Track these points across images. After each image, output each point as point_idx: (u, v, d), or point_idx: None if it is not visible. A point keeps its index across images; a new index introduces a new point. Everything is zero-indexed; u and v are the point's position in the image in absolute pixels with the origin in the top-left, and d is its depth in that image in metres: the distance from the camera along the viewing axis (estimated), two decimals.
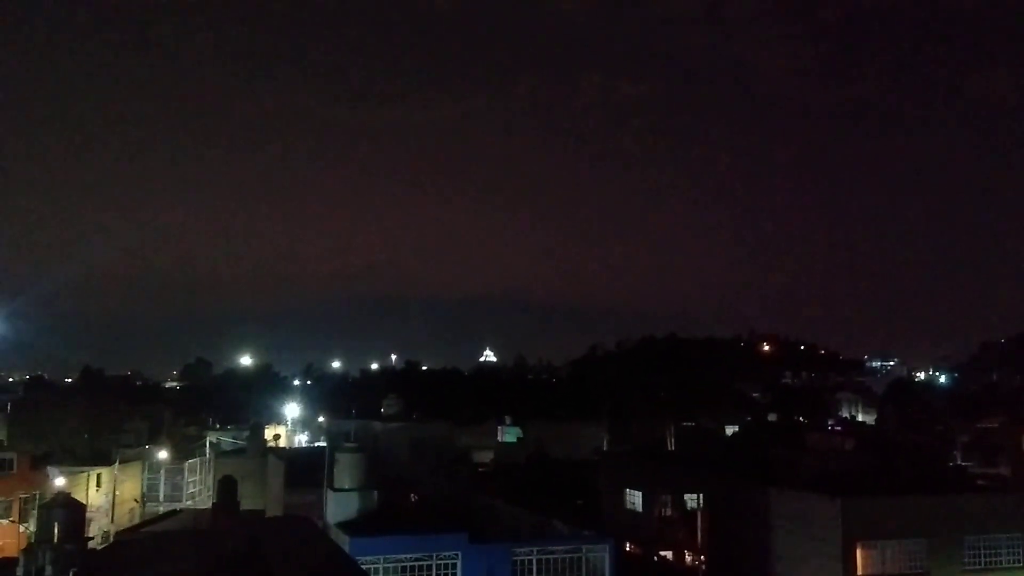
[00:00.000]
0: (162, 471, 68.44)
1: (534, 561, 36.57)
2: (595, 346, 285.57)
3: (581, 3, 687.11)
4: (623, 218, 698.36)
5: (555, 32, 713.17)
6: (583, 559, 37.00)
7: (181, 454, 74.67)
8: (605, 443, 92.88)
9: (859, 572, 36.16)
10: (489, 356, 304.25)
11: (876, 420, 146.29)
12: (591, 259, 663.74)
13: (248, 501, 56.44)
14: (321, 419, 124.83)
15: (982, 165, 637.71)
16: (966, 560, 37.41)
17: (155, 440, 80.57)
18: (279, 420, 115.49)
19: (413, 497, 53.81)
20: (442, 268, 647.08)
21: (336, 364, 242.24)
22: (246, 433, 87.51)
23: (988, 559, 37.69)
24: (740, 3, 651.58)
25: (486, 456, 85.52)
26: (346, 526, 38.39)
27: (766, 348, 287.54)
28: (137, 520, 61.87)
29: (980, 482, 59.19)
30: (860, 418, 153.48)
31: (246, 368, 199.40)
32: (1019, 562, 37.67)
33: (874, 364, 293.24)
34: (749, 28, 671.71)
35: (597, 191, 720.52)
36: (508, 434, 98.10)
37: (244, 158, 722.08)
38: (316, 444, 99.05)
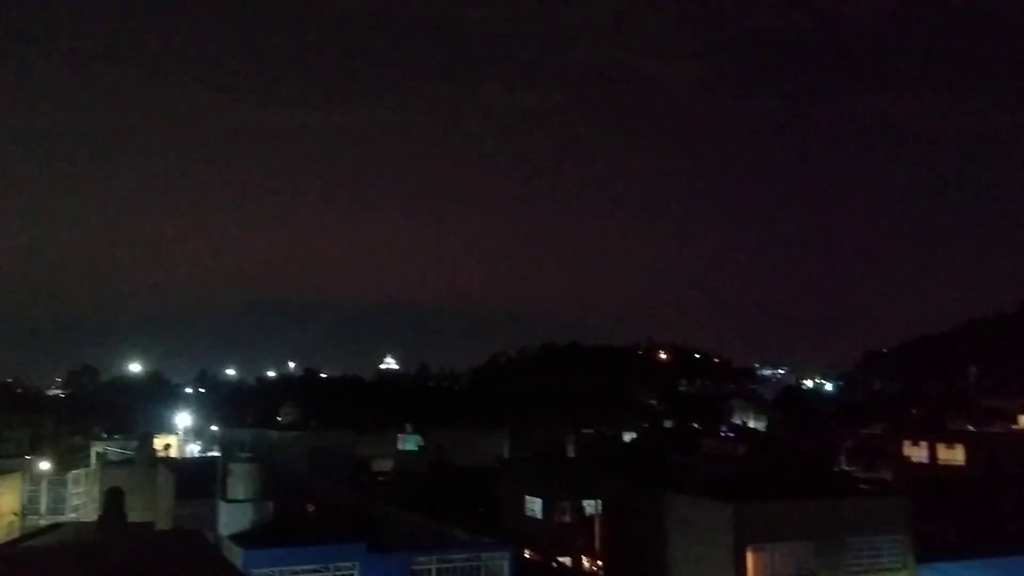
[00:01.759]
0: (44, 482, 65.55)
1: (433, 570, 36.37)
2: (497, 354, 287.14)
3: (486, 11, 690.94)
4: (526, 226, 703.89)
5: (460, 39, 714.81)
6: (482, 566, 37.01)
7: (65, 465, 71.73)
8: (506, 450, 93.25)
9: (749, 575, 37.15)
10: (391, 364, 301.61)
11: (767, 426, 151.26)
12: (494, 266, 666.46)
13: (136, 513, 54.40)
14: (214, 428, 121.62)
15: (873, 180, 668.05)
16: (850, 561, 38.75)
17: (37, 450, 77.20)
18: (170, 429, 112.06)
19: (310, 507, 52.83)
20: (343, 274, 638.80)
21: (231, 371, 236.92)
22: (134, 443, 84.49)
23: (870, 560, 39.15)
24: (642, 18, 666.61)
25: (386, 465, 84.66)
26: (239, 538, 37.37)
27: (663, 356, 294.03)
28: (16, 535, 58.79)
29: (863, 486, 61.61)
30: (752, 424, 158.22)
31: (135, 375, 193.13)
32: (899, 563, 39.32)
33: (765, 372, 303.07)
34: (652, 42, 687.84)
35: (501, 199, 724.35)
36: (409, 442, 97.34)
37: (138, 159, 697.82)
38: (209, 454, 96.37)
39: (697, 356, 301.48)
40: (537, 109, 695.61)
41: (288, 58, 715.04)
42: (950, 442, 70.71)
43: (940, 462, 68.99)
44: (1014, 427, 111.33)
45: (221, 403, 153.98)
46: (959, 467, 66.44)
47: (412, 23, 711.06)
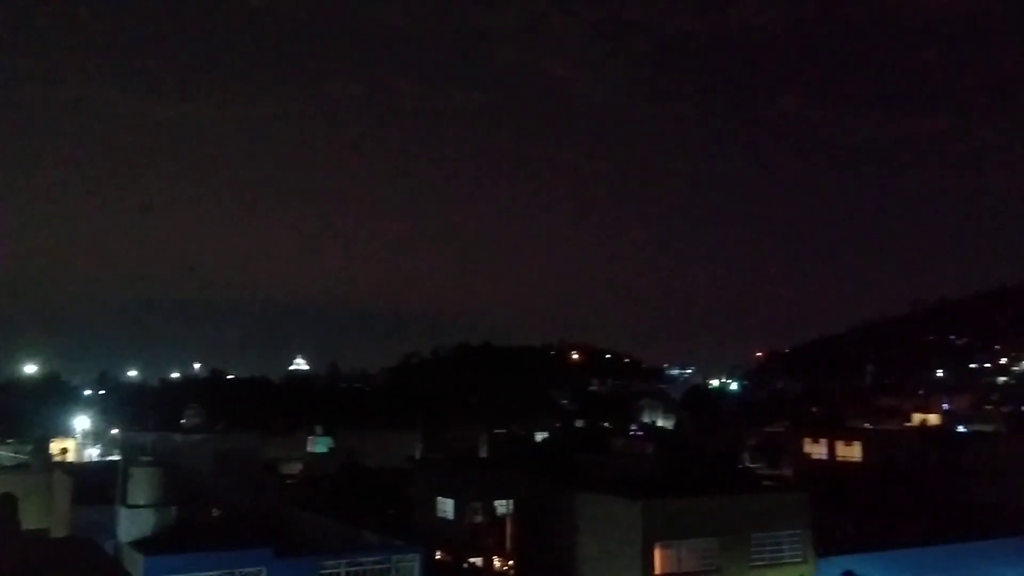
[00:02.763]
0: None
1: (343, 573, 35.84)
2: (411, 354, 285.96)
3: (399, 10, 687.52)
4: (439, 225, 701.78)
5: (373, 37, 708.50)
6: (393, 569, 36.69)
7: None
8: (419, 451, 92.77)
9: (657, 571, 37.79)
10: (300, 364, 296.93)
11: (675, 425, 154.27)
12: (407, 266, 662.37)
13: (31, 520, 52.23)
14: (115, 431, 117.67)
15: (780, 186, 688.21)
16: (753, 556, 39.80)
17: None
18: (67, 433, 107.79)
19: (215, 512, 51.54)
20: (251, 272, 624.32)
21: (133, 373, 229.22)
22: (29, 447, 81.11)
23: (772, 555, 40.27)
24: (555, 22, 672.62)
25: (296, 467, 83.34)
26: (140, 545, 36.17)
27: (575, 357, 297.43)
28: None
29: (766, 482, 63.26)
30: (660, 423, 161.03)
31: (30, 377, 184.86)
32: (799, 557, 40.56)
33: (673, 372, 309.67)
34: (565, 46, 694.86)
35: (414, 199, 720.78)
36: (319, 444, 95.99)
37: (32, 150, 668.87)
38: (109, 458, 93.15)
39: (608, 356, 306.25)
40: (452, 109, 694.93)
41: (199, 53, 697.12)
42: (848, 439, 73.05)
43: (839, 459, 71.20)
44: (907, 424, 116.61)
45: (122, 405, 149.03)
46: (857, 463, 68.70)
47: (326, 20, 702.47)
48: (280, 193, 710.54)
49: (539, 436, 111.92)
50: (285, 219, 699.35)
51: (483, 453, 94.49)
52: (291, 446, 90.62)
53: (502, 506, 46.93)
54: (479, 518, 48.27)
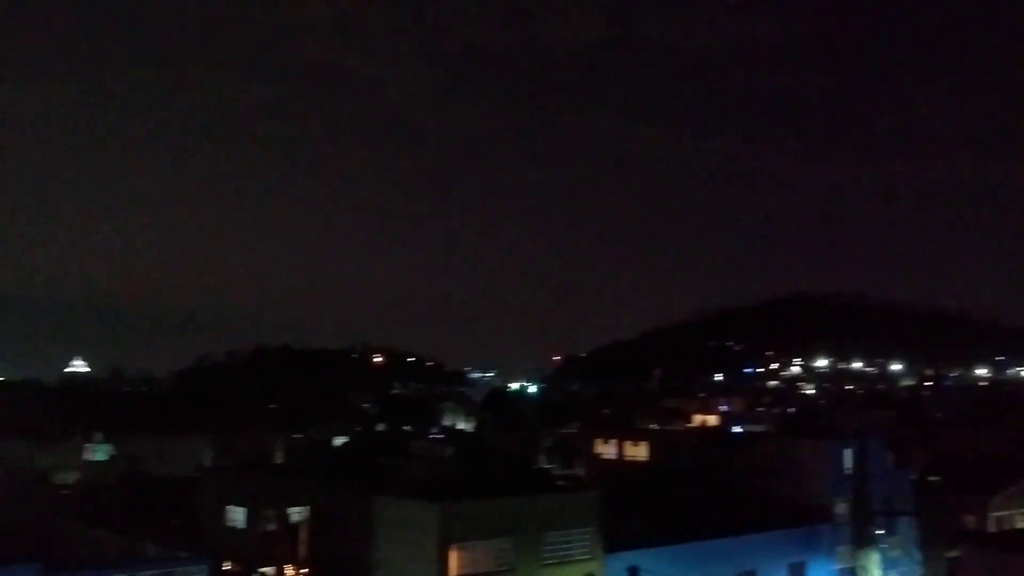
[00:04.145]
0: None
1: None
2: (203, 356, 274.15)
3: None
4: (235, 222, 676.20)
5: (172, 26, 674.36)
6: None
7: None
8: (209, 459, 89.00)
9: (452, 573, 38.11)
10: (79, 366, 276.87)
11: (475, 427, 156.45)
12: (201, 264, 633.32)
13: None
14: None
15: (578, 195, 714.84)
16: (545, 555, 40.96)
17: None
18: None
19: None
20: (24, 265, 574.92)
21: None
22: None
23: (564, 552, 41.61)
24: (362, 21, 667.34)
25: (71, 477, 77.69)
26: None
27: (377, 360, 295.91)
28: None
29: (560, 482, 65.06)
30: (461, 426, 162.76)
31: None
32: (588, 554, 42.13)
33: (475, 375, 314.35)
34: (371, 45, 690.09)
35: (209, 194, 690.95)
36: (98, 451, 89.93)
37: None
38: None
39: (411, 360, 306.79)
40: (252, 102, 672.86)
41: None
42: (635, 439, 76.20)
43: (627, 458, 74.23)
44: (689, 425, 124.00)
45: None
46: (643, 462, 71.97)
47: (127, 5, 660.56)
48: (60, 182, 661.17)
49: (338, 441, 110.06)
50: (65, 210, 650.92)
51: (279, 459, 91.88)
52: (66, 454, 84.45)
53: (297, 513, 45.84)
54: (272, 526, 46.91)
